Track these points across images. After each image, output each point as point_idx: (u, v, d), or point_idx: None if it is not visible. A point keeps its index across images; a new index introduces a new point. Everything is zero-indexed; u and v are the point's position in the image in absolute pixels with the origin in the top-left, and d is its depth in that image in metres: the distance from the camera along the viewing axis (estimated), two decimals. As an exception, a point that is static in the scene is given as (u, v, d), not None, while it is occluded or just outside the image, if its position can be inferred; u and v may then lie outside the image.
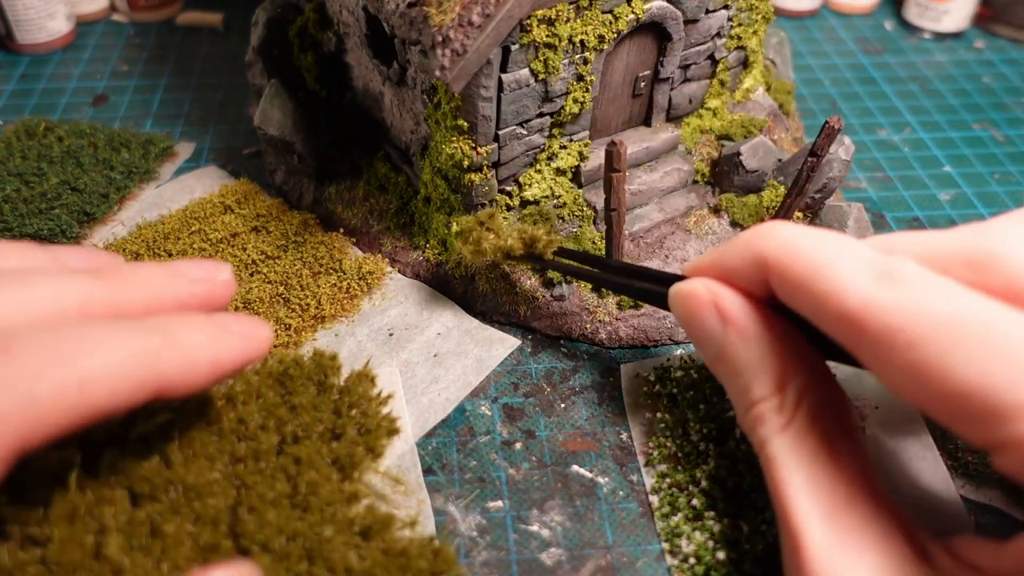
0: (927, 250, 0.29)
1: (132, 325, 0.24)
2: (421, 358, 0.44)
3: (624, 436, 0.41)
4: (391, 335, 0.45)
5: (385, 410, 0.36)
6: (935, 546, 0.27)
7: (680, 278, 0.35)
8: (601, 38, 0.42)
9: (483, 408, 0.42)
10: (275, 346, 0.44)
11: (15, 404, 0.21)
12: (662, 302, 0.35)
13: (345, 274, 0.47)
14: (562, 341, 0.46)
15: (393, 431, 0.36)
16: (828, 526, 0.28)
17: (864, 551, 0.27)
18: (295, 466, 0.32)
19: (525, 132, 0.43)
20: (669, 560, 0.35)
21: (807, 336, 0.31)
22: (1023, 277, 0.27)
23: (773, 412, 0.30)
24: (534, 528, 0.37)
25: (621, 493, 0.38)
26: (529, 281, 0.46)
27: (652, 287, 0.37)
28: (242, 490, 0.30)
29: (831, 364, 0.32)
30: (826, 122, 0.42)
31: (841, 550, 0.27)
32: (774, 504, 0.30)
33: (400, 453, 0.38)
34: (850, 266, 0.27)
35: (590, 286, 0.46)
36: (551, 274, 0.45)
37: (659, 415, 0.40)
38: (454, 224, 0.45)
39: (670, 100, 0.50)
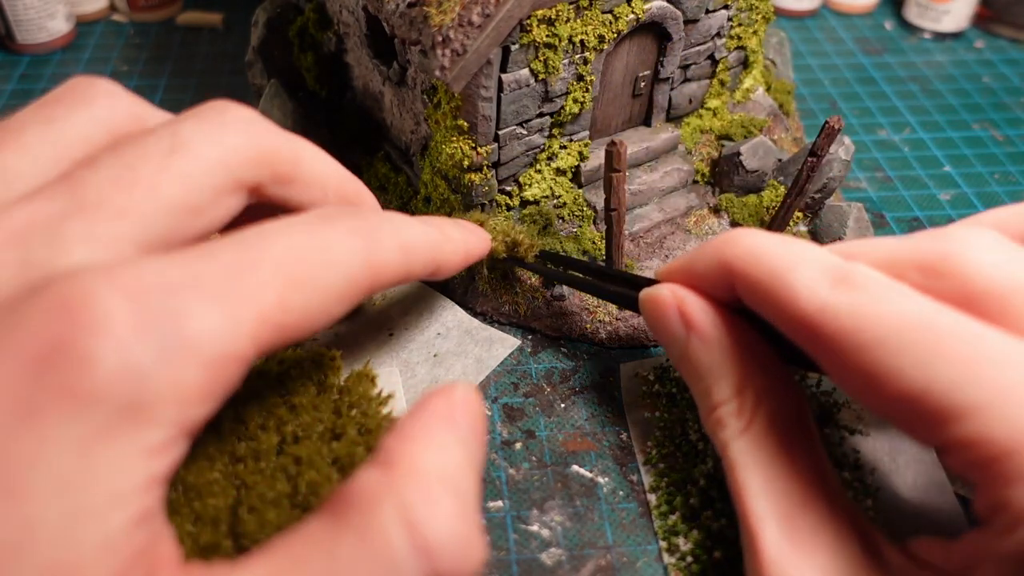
0: (884, 256, 0.29)
1: (421, 220, 0.32)
2: (421, 358, 0.44)
3: (624, 436, 0.41)
4: (391, 335, 0.45)
5: (385, 410, 0.36)
6: (888, 546, 0.28)
7: (653, 282, 0.36)
8: (601, 38, 0.42)
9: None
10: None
11: (368, 248, 0.27)
12: (635, 306, 0.36)
13: (345, 274, 0.47)
14: (562, 341, 0.46)
15: (393, 431, 0.36)
16: (783, 527, 0.28)
17: (817, 551, 0.28)
18: (295, 466, 0.32)
19: (525, 132, 0.43)
20: (667, 558, 0.35)
21: (773, 341, 0.32)
22: (974, 282, 0.27)
23: (732, 415, 0.31)
24: (534, 528, 0.37)
25: (621, 493, 0.38)
26: (529, 281, 0.46)
27: (625, 291, 0.38)
28: (242, 490, 0.30)
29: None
30: (826, 122, 0.42)
31: (794, 550, 0.28)
32: (735, 505, 0.31)
33: (400, 453, 0.38)
34: (808, 271, 0.28)
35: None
36: (551, 274, 0.45)
37: (658, 414, 0.40)
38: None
39: (670, 100, 0.50)
